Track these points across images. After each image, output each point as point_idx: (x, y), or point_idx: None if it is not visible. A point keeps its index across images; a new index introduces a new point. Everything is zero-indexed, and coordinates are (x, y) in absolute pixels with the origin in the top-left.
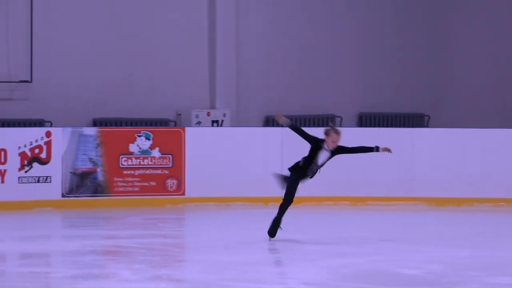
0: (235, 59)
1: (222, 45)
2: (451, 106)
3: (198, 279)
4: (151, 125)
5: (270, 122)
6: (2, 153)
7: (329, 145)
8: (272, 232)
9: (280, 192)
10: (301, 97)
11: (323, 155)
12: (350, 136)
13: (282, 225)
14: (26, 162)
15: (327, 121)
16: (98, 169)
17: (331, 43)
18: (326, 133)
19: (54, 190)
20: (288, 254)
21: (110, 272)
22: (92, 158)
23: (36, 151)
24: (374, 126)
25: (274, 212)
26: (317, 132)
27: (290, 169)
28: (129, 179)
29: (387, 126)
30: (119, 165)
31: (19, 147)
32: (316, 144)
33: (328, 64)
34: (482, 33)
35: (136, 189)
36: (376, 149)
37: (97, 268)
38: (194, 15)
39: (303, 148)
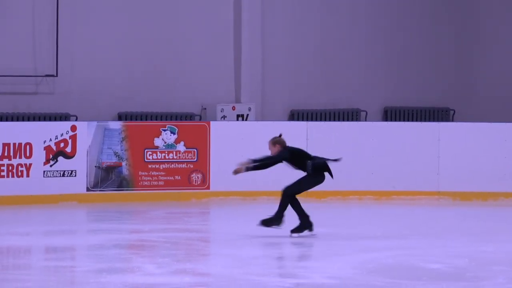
0: (260, 53)
1: (248, 39)
2: (476, 100)
3: (222, 273)
4: (176, 119)
5: (295, 116)
6: (28, 147)
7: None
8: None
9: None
10: (326, 91)
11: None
12: (375, 130)
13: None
14: (51, 156)
15: (354, 114)
16: (123, 163)
17: (357, 38)
18: (280, 141)
19: (79, 184)
20: (312, 248)
21: (135, 266)
22: (117, 152)
23: (61, 145)
24: (399, 120)
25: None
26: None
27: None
28: (154, 173)
29: (412, 120)
30: (144, 159)
31: (45, 141)
32: (285, 155)
33: (353, 58)
34: (507, 26)
35: (161, 183)
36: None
37: (121, 262)
38: (220, 9)
39: (328, 143)
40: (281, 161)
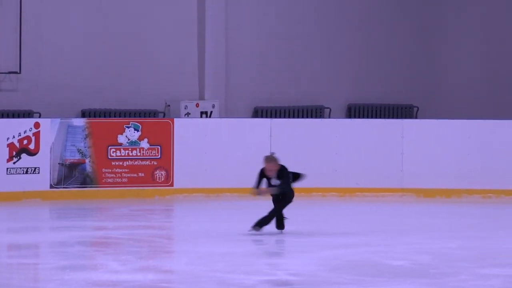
0: (224, 50)
1: (211, 36)
2: (440, 97)
3: (186, 271)
4: (139, 116)
5: (259, 113)
6: None
7: (267, 173)
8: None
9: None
10: (290, 88)
11: (273, 181)
12: (339, 127)
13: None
14: (14, 153)
15: (318, 111)
16: (87, 160)
17: (321, 34)
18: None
19: (42, 181)
20: (276, 245)
21: (98, 263)
22: (80, 149)
23: (25, 142)
24: (363, 117)
25: (264, 203)
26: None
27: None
28: (118, 170)
29: (376, 117)
30: (107, 156)
31: (8, 138)
32: (261, 176)
33: (317, 55)
34: (472, 25)
35: (125, 180)
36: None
37: (85, 259)
38: (183, 5)
39: (292, 140)
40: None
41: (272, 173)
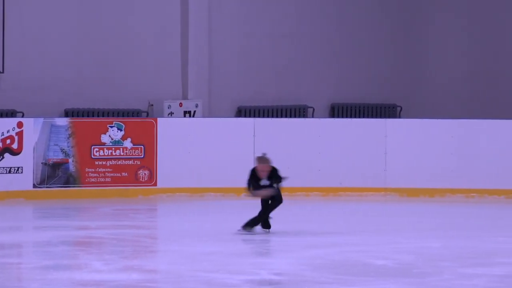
0: (207, 49)
1: (195, 35)
2: (423, 96)
3: (170, 270)
4: (123, 115)
5: (242, 112)
6: None
7: (259, 174)
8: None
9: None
10: (274, 88)
11: (263, 181)
12: (322, 126)
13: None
14: None
15: (300, 110)
16: (70, 160)
17: (304, 34)
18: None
19: (25, 180)
20: (260, 245)
21: (81, 263)
22: (63, 149)
23: (8, 141)
24: (346, 116)
25: (247, 202)
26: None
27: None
28: (101, 169)
29: (359, 117)
30: (90, 156)
31: None
32: (252, 177)
33: (301, 55)
34: (456, 22)
35: (108, 179)
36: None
37: (68, 259)
38: (166, 5)
39: (275, 139)
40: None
41: (264, 173)
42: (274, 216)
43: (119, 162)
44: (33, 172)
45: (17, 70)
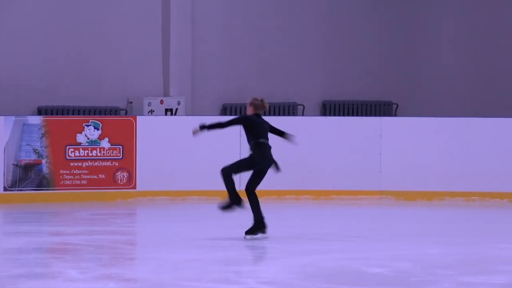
0: (190, 44)
1: (177, 29)
2: (420, 93)
3: (150, 279)
4: (100, 113)
5: (227, 110)
6: None
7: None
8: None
9: (238, 186)
10: (261, 84)
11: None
12: (313, 125)
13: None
14: None
15: (289, 108)
16: (43, 161)
17: (293, 27)
18: (255, 104)
19: None
20: (246, 251)
21: (56, 271)
22: (36, 149)
23: None
24: (339, 114)
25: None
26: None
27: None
28: (77, 171)
29: (352, 115)
30: (65, 157)
31: None
32: (246, 120)
33: (289, 49)
34: (453, 21)
35: (84, 182)
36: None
37: (41, 267)
38: None
39: None
40: (235, 124)
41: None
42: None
43: (96, 163)
44: (4, 174)
45: None
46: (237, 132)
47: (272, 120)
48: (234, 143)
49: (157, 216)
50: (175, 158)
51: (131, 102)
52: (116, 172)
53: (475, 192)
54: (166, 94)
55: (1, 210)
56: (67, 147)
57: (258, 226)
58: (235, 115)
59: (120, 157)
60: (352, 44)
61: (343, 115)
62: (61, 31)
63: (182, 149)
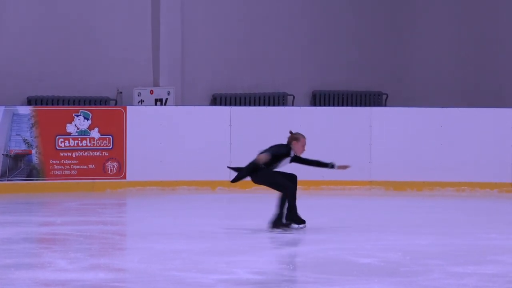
0: (180, 33)
1: (166, 18)
2: (410, 83)
3: (139, 269)
4: (90, 103)
5: (217, 100)
6: None
7: (298, 150)
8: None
9: (227, 176)
10: (250, 74)
11: (285, 161)
12: (303, 115)
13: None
14: None
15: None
16: (33, 151)
17: (282, 17)
18: (296, 138)
19: None
20: (235, 242)
21: (45, 261)
22: (26, 139)
23: None
24: (329, 105)
25: (222, 197)
26: (266, 111)
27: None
28: (66, 161)
29: (342, 105)
30: (55, 147)
31: None
32: (287, 152)
33: (279, 39)
34: (442, 11)
35: (74, 172)
36: (331, 166)
37: (30, 257)
38: None
39: (253, 129)
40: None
41: (303, 150)
42: (251, 211)
43: (86, 153)
44: None
45: None
46: (227, 123)
47: (262, 111)
48: (224, 133)
49: (146, 206)
50: (165, 148)
51: (121, 92)
52: (106, 162)
53: (465, 182)
54: (156, 84)
55: None
56: (57, 137)
57: (281, 218)
58: (225, 105)
59: (110, 147)
60: (342, 34)
61: (333, 105)
62: (51, 21)
63: (172, 139)
